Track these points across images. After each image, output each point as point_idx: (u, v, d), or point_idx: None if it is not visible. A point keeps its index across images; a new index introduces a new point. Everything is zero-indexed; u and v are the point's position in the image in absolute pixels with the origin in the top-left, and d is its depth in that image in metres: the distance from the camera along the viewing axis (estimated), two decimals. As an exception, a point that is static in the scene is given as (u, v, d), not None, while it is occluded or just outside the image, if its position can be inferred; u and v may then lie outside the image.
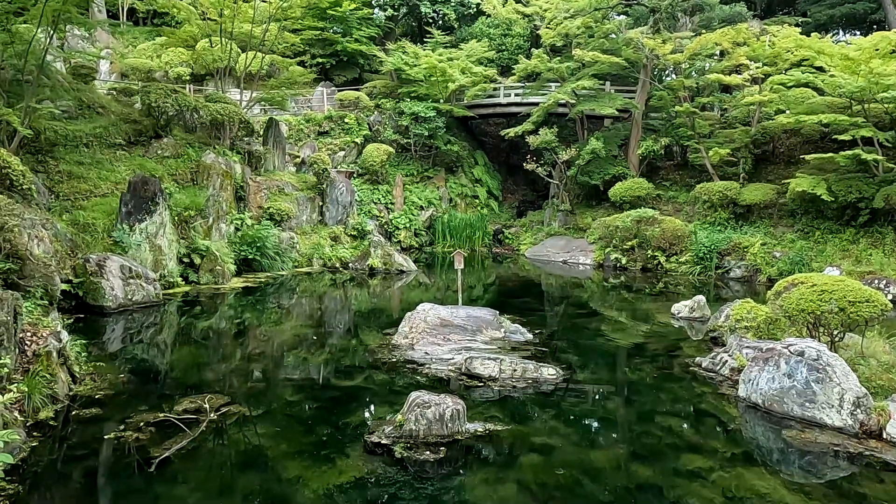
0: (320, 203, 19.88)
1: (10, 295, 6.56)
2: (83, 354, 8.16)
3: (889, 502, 5.46)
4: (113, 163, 15.34)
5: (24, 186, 10.24)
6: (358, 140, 24.14)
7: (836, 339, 8.28)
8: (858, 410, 6.78)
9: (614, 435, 7.01)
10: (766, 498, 5.55)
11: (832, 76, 16.46)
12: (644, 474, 5.93)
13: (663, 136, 22.65)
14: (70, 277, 10.89)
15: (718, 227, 19.18)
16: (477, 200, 25.60)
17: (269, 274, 16.15)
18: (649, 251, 19.06)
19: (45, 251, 8.92)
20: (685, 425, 7.24)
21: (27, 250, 8.37)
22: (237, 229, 16.55)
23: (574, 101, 22.91)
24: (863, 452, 6.40)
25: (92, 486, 5.37)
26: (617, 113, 22.99)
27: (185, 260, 14.40)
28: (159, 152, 16.58)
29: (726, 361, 8.70)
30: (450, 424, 6.35)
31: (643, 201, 21.05)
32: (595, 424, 7.29)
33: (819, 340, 7.84)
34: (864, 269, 15.27)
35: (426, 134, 23.96)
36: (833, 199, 16.41)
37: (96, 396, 7.18)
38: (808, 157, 17.56)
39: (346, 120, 24.66)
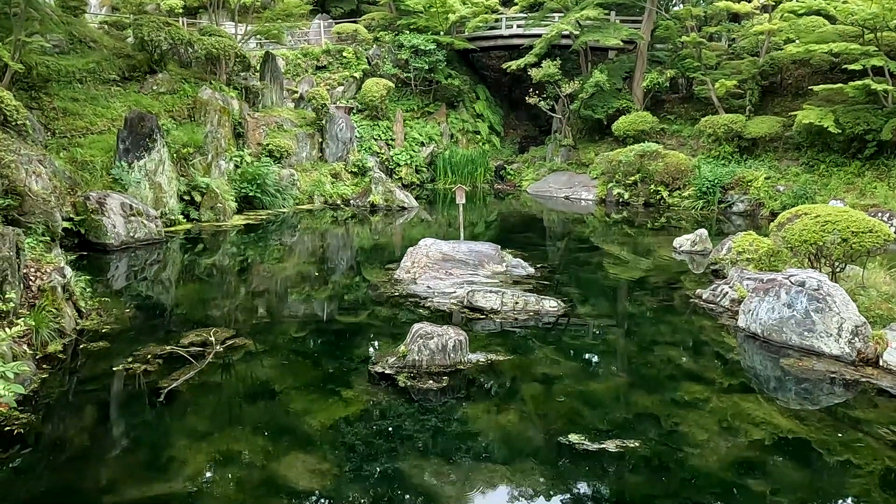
0: (320, 139, 19.64)
1: (12, 230, 6.55)
2: (88, 290, 8.22)
3: (882, 426, 5.58)
4: (108, 99, 15.07)
5: (19, 122, 10.09)
6: (357, 75, 23.64)
7: (837, 270, 8.30)
8: (856, 339, 6.86)
9: (614, 365, 7.12)
10: (761, 424, 5.67)
11: (845, 2, 15.94)
12: (643, 403, 6.05)
13: (669, 68, 22.14)
14: (71, 215, 10.87)
15: (722, 161, 18.98)
16: (478, 136, 25.27)
17: (270, 211, 16.12)
18: (652, 186, 18.93)
19: (44, 187, 8.86)
20: (684, 355, 7.34)
21: (25, 186, 8.31)
22: (237, 166, 16.42)
23: (577, 33, 22.29)
24: (858, 379, 6.51)
25: (103, 416, 5.50)
26: (622, 44, 22.40)
27: (186, 198, 14.34)
28: (154, 88, 16.27)
29: (727, 293, 8.75)
30: (452, 355, 6.45)
31: (647, 135, 20.76)
32: (595, 355, 7.40)
33: (820, 271, 7.86)
34: (869, 201, 15.17)
35: (426, 68, 23.44)
36: (840, 131, 16.15)
37: (103, 331, 7.27)
38: (816, 87, 17.19)
39: (344, 54, 24.08)
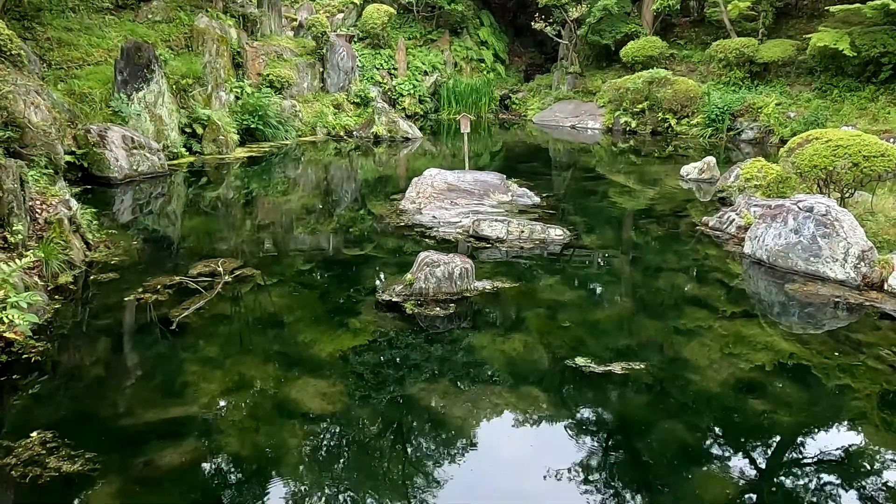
0: (321, 69, 19.21)
1: (14, 163, 6.51)
2: (95, 223, 8.23)
3: (884, 348, 5.65)
4: (102, 28, 14.68)
5: (13, 52, 9.86)
6: (357, 1, 22.88)
7: (847, 195, 8.23)
8: (862, 263, 6.86)
9: (620, 292, 7.17)
10: (764, 348, 5.75)
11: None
12: (648, 329, 6.13)
13: (680, -11, 21.33)
14: (73, 149, 10.77)
15: (733, 88, 18.55)
16: (483, 64, 24.66)
17: (272, 143, 15.94)
18: (660, 114, 18.59)
19: (44, 119, 8.74)
20: (689, 282, 7.38)
21: (25, 118, 8.20)
22: (237, 98, 16.13)
23: (586, -47, 21.39)
24: (863, 303, 6.55)
25: (117, 344, 5.61)
26: (631, -35, 21.53)
27: (187, 130, 14.16)
28: (150, 17, 15.82)
29: (733, 220, 8.72)
30: (458, 282, 6.49)
31: (656, 61, 20.23)
32: (601, 282, 7.45)
33: (829, 197, 7.79)
34: (881, 127, 14.89)
35: (428, -8, 22.66)
36: (855, 53, 15.69)
37: (112, 262, 7.33)
38: (833, 8, 16.59)
39: (343, -22, 23.23)
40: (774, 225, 7.50)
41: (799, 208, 7.33)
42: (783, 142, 14.26)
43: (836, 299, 6.64)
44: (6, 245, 6.21)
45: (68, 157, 10.03)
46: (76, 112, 11.60)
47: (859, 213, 7.93)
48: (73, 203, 7.57)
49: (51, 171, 8.44)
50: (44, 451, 3.95)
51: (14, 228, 6.25)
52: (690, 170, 12.39)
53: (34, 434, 4.10)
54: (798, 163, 8.21)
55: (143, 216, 9.79)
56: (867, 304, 6.54)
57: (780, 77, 18.38)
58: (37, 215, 6.95)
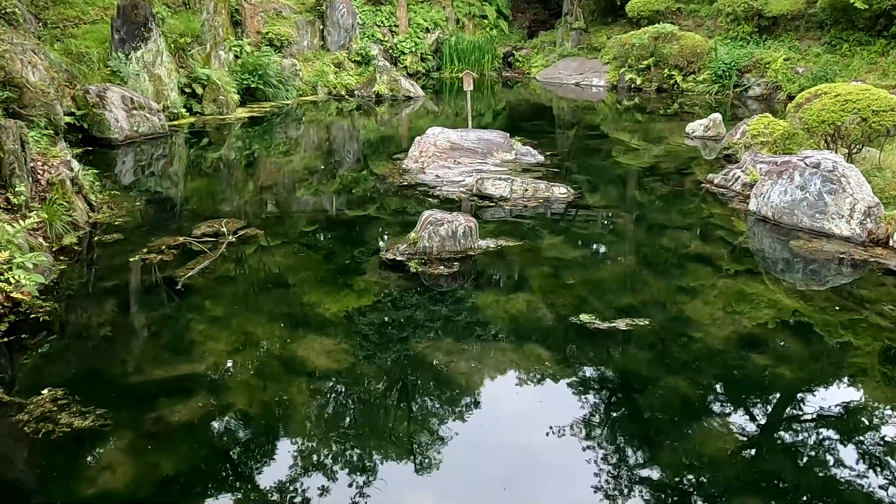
0: (321, 27, 18.87)
1: (14, 123, 6.46)
2: (97, 184, 8.21)
3: (887, 303, 5.66)
4: (98, -14, 14.37)
5: (8, 10, 9.69)
6: (356, -45, 22.33)
7: (854, 151, 8.14)
8: (868, 220, 6.83)
9: (623, 250, 7.17)
10: (768, 304, 5.76)
11: None
12: (652, 286, 6.14)
13: (688, -60, 20.75)
14: (72, 109, 10.66)
15: (740, 43, 18.19)
16: (485, 21, 24.19)
17: (273, 103, 15.76)
18: (666, 70, 18.28)
19: (42, 79, 8.64)
20: (693, 240, 7.36)
21: (23, 77, 8.11)
22: (237, 57, 15.89)
23: None
24: (867, 259, 6.54)
25: (123, 304, 5.65)
26: (638, -85, 20.89)
27: (187, 90, 13.99)
28: (145, -27, 15.45)
29: (739, 177, 8.65)
30: (462, 241, 6.49)
31: (662, 16, 19.80)
32: (604, 241, 7.44)
33: (836, 153, 7.71)
34: (891, 82, 14.63)
35: (430, -54, 22.10)
36: (866, 6, 15.33)
37: (116, 223, 7.33)
38: (844, -41, 16.13)
39: (342, -68, 22.63)
40: (780, 181, 7.44)
41: (805, 164, 7.26)
42: (791, 98, 14.05)
43: (841, 256, 6.62)
44: (9, 206, 6.21)
45: (68, 119, 9.94)
46: (74, 72, 11.45)
47: (866, 169, 7.85)
48: (75, 164, 7.53)
49: (51, 132, 8.38)
50: (55, 408, 4.01)
51: (17, 190, 6.23)
52: (696, 127, 12.25)
53: (45, 391, 4.16)
54: (806, 118, 8.10)
55: (145, 177, 9.75)
56: (872, 260, 6.52)
57: (789, 31, 18.01)
58: (38, 176, 6.92)
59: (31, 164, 6.81)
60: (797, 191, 7.25)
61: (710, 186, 8.98)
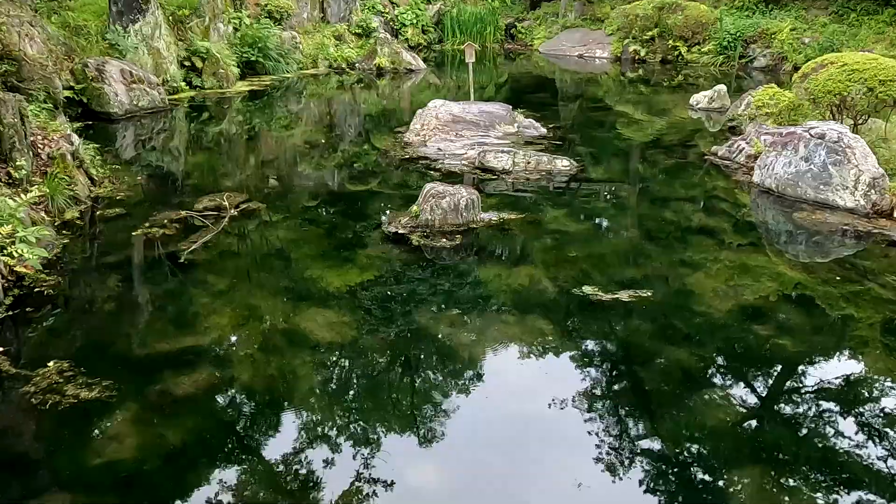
0: (320, -1, 18.61)
1: (13, 97, 6.41)
2: (98, 159, 8.17)
3: (890, 275, 5.65)
4: (94, -43, 14.15)
5: (4, -17, 9.57)
6: (356, -75, 21.94)
7: (860, 122, 8.07)
8: (872, 191, 6.79)
9: (626, 224, 7.15)
10: (770, 277, 5.76)
11: None
12: (655, 258, 6.13)
13: None
14: (71, 83, 10.58)
15: (746, 13, 17.93)
16: (487, -8, 23.83)
17: (273, 77, 15.62)
18: (670, 41, 18.05)
19: (40, 52, 8.56)
20: (696, 213, 7.34)
21: (21, 50, 8.03)
22: (236, 29, 15.70)
23: None
24: (871, 231, 6.52)
25: (127, 278, 5.66)
26: None
27: (186, 64, 13.85)
28: (142, -56, 15.21)
29: (743, 149, 8.59)
30: (464, 213, 6.47)
31: (667, -14, 19.47)
32: (607, 214, 7.42)
33: (842, 124, 7.63)
34: (898, 52, 14.45)
35: (430, -85, 21.69)
36: (875, -25, 15.08)
37: (117, 198, 7.31)
38: (854, -74, 15.84)
39: None
40: (785, 153, 7.38)
41: (810, 135, 7.20)
42: (796, 68, 13.88)
43: (845, 227, 6.60)
44: (10, 181, 6.19)
45: (67, 93, 9.86)
46: (72, 45, 11.34)
47: (872, 140, 7.78)
48: (75, 138, 7.50)
49: (50, 105, 8.32)
50: (61, 380, 4.04)
51: (17, 164, 6.21)
52: (700, 99, 12.13)
53: (51, 364, 4.19)
54: (811, 88, 8.01)
55: (146, 152, 9.71)
56: (875, 231, 6.50)
57: (796, 1, 17.74)
58: (39, 151, 6.89)
59: (31, 139, 6.78)
60: (801, 162, 7.20)
61: (713, 159, 8.92)
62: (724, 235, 6.61)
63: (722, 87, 12.09)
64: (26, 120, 6.58)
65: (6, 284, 5.07)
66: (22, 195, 5.65)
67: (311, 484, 3.42)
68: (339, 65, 17.37)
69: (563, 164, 8.41)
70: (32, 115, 7.19)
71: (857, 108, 7.76)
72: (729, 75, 16.20)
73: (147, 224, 6.53)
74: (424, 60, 18.28)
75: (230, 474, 3.43)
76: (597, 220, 7.23)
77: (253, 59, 15.52)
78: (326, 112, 13.21)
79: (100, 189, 7.48)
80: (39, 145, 6.97)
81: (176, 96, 12.86)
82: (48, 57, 8.72)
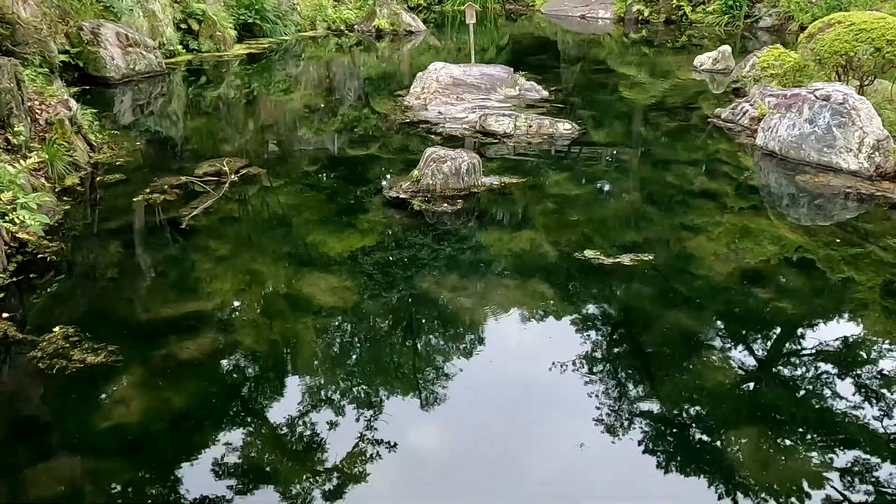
0: (318, -42, 18.21)
1: (8, 61, 6.33)
2: (96, 124, 8.11)
3: (892, 238, 5.64)
4: (85, -84, 13.82)
5: (-5, -56, 9.35)
6: None
7: (866, 83, 7.97)
8: (877, 153, 6.74)
9: (628, 188, 7.12)
10: (771, 240, 5.75)
11: None
12: (657, 222, 6.12)
13: None
14: (66, 47, 10.43)
15: (753, -29, 17.55)
16: (488, -50, 23.30)
17: (271, 39, 15.41)
18: (674, 1, 17.73)
19: (33, 14, 8.41)
20: (698, 176, 7.30)
21: (14, 13, 7.90)
22: (232, -10, 15.42)
23: None
24: (874, 193, 6.49)
25: (129, 243, 5.67)
26: None
27: (183, 26, 13.65)
28: None
29: (746, 111, 8.51)
30: (466, 178, 6.44)
31: (672, -57, 19.04)
32: (609, 178, 7.39)
33: (847, 85, 7.54)
34: (907, 11, 14.18)
35: None
36: (886, -70, 14.70)
37: (117, 163, 7.28)
38: None
39: None
40: (789, 115, 7.31)
41: (815, 97, 7.12)
42: (803, 28, 13.65)
43: (847, 190, 6.57)
44: (9, 147, 6.15)
45: (62, 57, 9.73)
46: (66, 8, 11.15)
47: (877, 102, 7.69)
48: (73, 103, 7.43)
49: (46, 70, 8.22)
50: (67, 345, 4.08)
51: (15, 129, 6.17)
52: (704, 60, 11.97)
53: (56, 329, 4.23)
54: (817, 49, 7.89)
55: (144, 117, 9.63)
56: (878, 194, 6.48)
57: (804, -42, 17.34)
58: (37, 116, 6.84)
59: (29, 104, 6.72)
60: (806, 124, 7.13)
61: (716, 121, 8.84)
62: (726, 199, 6.59)
63: (726, 48, 11.92)
64: (22, 85, 6.52)
65: (9, 251, 5.08)
66: (21, 161, 5.62)
67: (315, 446, 3.48)
68: (338, 27, 17.11)
69: (564, 127, 8.34)
70: (28, 79, 7.11)
71: (863, 68, 7.66)
72: (734, 36, 15.95)
73: (147, 190, 6.51)
74: (424, 22, 17.99)
75: (235, 437, 3.49)
76: (598, 184, 7.21)
77: (250, 21, 15.28)
78: (325, 75, 13.06)
79: (99, 155, 7.44)
80: (37, 111, 6.91)
81: (173, 60, 12.70)
82: (42, 20, 8.58)
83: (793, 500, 3.05)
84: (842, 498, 3.07)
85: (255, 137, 8.87)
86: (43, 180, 6.20)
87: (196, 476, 3.20)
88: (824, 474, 3.19)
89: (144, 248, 5.61)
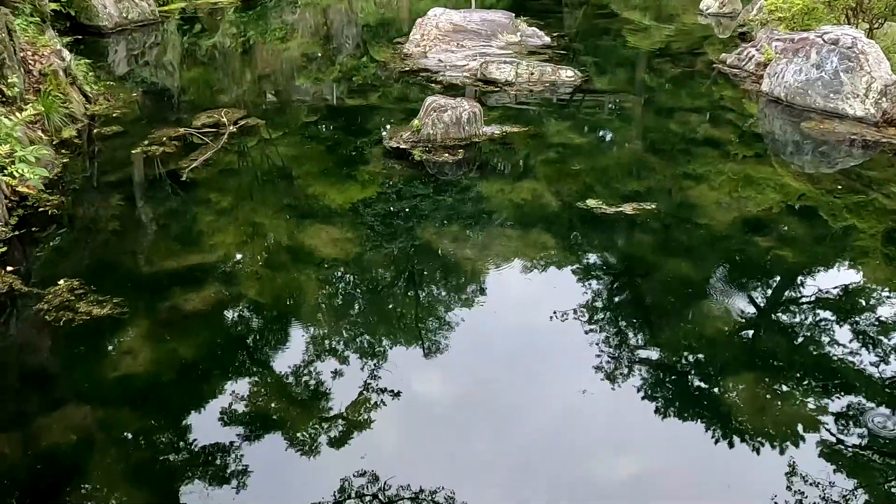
0: None
1: (-2, 10, 6.19)
2: (91, 75, 7.99)
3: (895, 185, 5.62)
4: None
5: None
6: None
7: (876, 26, 7.79)
8: (884, 99, 6.64)
9: (630, 136, 7.05)
10: (774, 188, 5.73)
11: None
12: (659, 171, 6.09)
13: None
14: (57, -5, 10.19)
15: None
16: None
17: (266, -15, 15.01)
18: (681, -59, 17.17)
19: (22, -39, 8.16)
20: (702, 124, 7.21)
21: (1, -40, 7.67)
22: (225, -66, 14.94)
23: None
24: (879, 140, 6.43)
25: (129, 196, 5.65)
26: None
27: (175, -28, 13.29)
28: None
29: (753, 56, 8.34)
30: (466, 127, 6.37)
31: None
32: (612, 126, 7.30)
33: (857, 29, 7.37)
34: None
35: None
36: None
37: (114, 115, 7.20)
38: None
39: None
40: (796, 60, 7.17)
41: (823, 41, 6.97)
42: (813, -30, 13.26)
43: (853, 137, 6.50)
44: (3, 99, 6.06)
45: (53, 5, 9.49)
46: (54, -46, 10.82)
47: (887, 46, 7.53)
48: (66, 53, 7.30)
49: (37, 19, 8.03)
50: (73, 298, 4.11)
51: (9, 81, 6.07)
52: (711, 3, 11.67)
53: (61, 282, 4.25)
54: (827, -9, 7.68)
55: (139, 67, 9.48)
56: (884, 141, 6.41)
57: None
58: (30, 67, 6.72)
59: (21, 55, 6.60)
60: (812, 70, 7.00)
61: (722, 67, 8.68)
62: (730, 147, 6.53)
63: (734, -9, 11.61)
64: (14, 35, 6.38)
65: (10, 205, 5.07)
66: (17, 114, 5.55)
67: (320, 394, 3.54)
68: (335, -29, 16.62)
69: (567, 74, 8.20)
70: (20, 29, 6.96)
71: (873, 11, 7.47)
72: (742, -23, 15.50)
73: (146, 142, 6.45)
74: (423, -35, 17.47)
75: (241, 386, 3.55)
76: (601, 133, 7.13)
77: (244, -34, 14.84)
78: (323, 23, 12.77)
79: (95, 106, 7.34)
80: (30, 62, 6.79)
81: (166, 8, 12.41)
82: (30, -33, 8.31)
83: (789, 443, 3.12)
84: (836, 441, 3.14)
85: (252, 88, 8.74)
86: (40, 133, 6.13)
87: (204, 424, 3.28)
88: (820, 418, 3.26)
89: (145, 201, 5.60)
